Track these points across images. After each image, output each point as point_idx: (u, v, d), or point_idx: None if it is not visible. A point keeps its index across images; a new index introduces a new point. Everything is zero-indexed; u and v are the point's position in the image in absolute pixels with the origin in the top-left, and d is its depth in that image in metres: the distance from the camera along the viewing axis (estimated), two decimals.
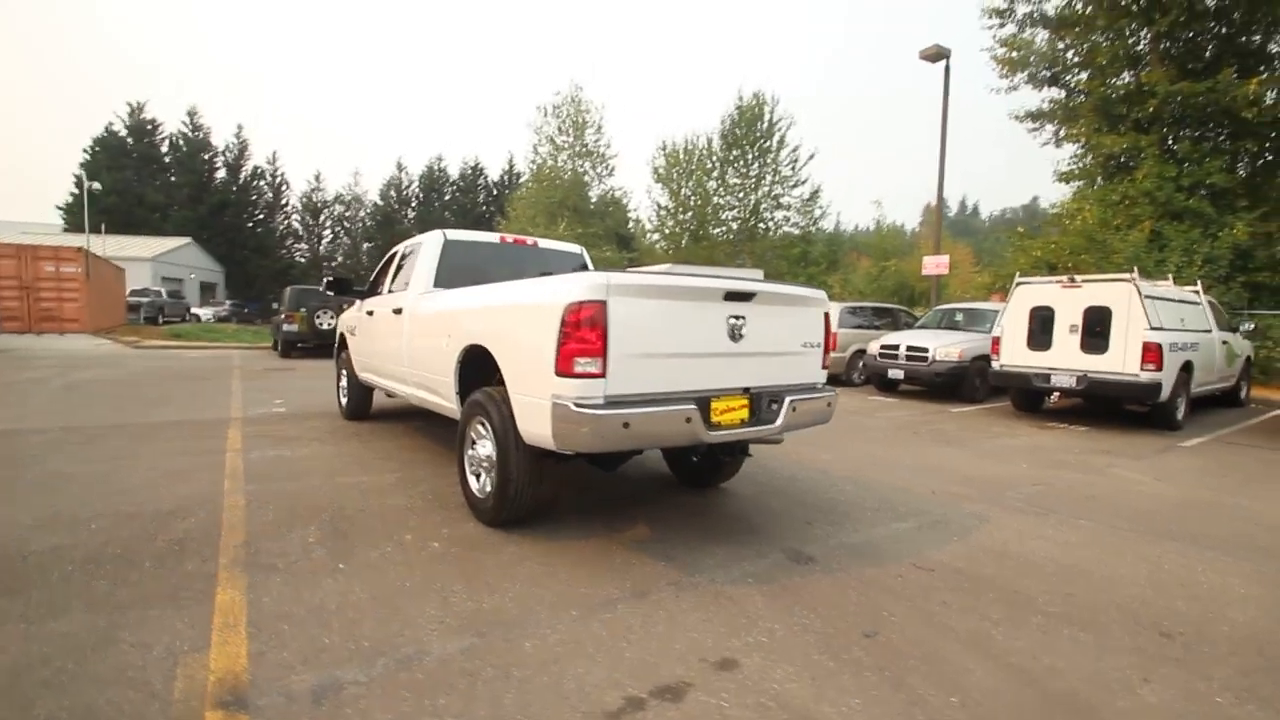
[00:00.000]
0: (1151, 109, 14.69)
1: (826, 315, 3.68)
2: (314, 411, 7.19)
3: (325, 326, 14.34)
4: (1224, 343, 8.88)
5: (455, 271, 4.81)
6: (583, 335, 2.70)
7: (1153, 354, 7.04)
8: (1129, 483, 5.06)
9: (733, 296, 3.13)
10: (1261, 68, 14.28)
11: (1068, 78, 16.95)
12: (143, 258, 37.57)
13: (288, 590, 2.62)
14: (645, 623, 2.44)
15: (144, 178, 44.80)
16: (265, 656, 2.11)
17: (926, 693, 2.04)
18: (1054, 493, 4.65)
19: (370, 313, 5.68)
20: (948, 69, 15.24)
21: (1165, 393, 7.17)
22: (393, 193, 51.86)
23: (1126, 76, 15.86)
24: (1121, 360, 7.25)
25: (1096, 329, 7.46)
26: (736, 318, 3.15)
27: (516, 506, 3.29)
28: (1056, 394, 8.11)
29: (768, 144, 34.45)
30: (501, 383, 3.44)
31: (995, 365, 8.43)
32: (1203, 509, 4.37)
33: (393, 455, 5.11)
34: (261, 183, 49.21)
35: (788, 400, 3.32)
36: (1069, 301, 7.73)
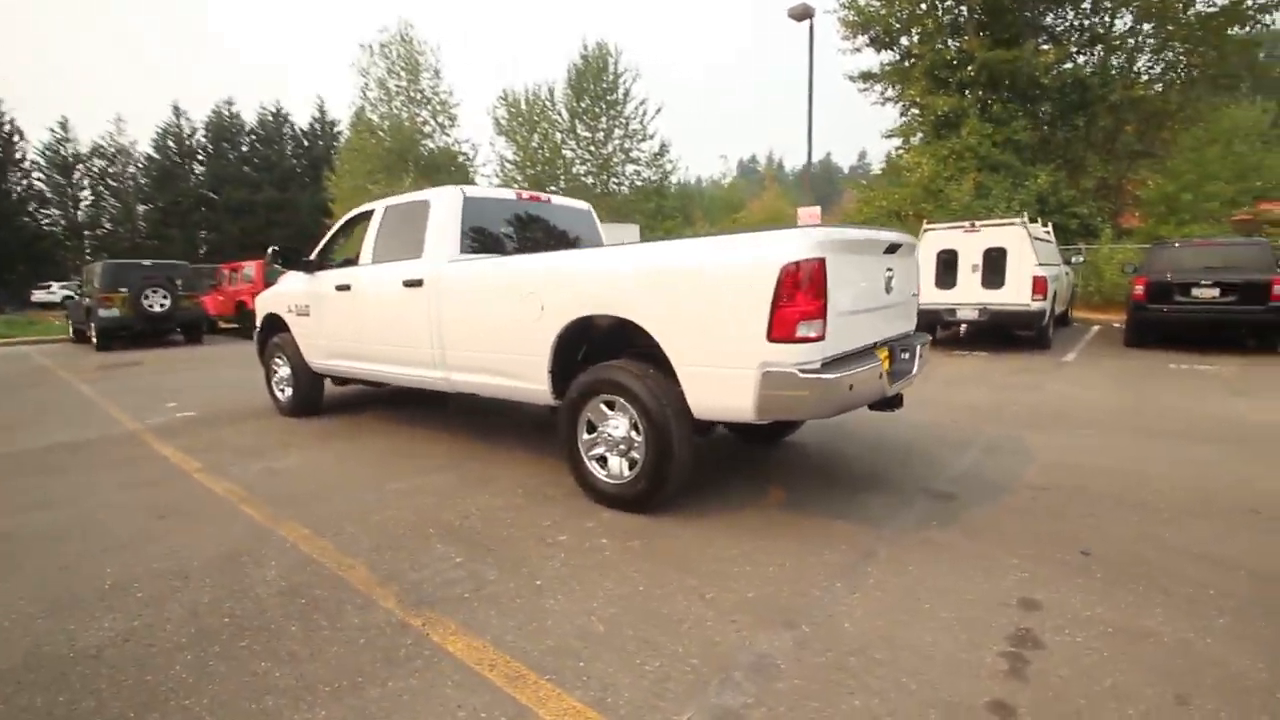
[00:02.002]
0: (972, 73, 16.92)
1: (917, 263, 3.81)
2: (232, 412, 5.95)
3: (157, 309, 11.79)
4: (1066, 274, 10.78)
5: (476, 234, 4.20)
6: (804, 296, 2.51)
7: (1041, 286, 8.33)
8: (1068, 396, 6.01)
9: (889, 249, 3.11)
10: (1046, 40, 17.05)
11: (903, 40, 18.81)
12: None
13: (513, 620, 2.19)
14: (913, 582, 2.43)
15: None
16: (619, 702, 1.76)
17: (1193, 592, 2.29)
18: (1030, 411, 5.37)
19: (344, 287, 4.75)
20: (811, 27, 16.13)
21: (1046, 318, 8.56)
22: (171, 143, 43.08)
23: (950, 44, 18.01)
24: (1016, 292, 8.48)
25: (995, 267, 8.62)
26: (889, 270, 3.14)
27: (675, 484, 3.05)
28: (964, 325, 9.29)
29: (613, 97, 34.12)
30: (636, 355, 3.12)
31: None
32: (1143, 409, 5.34)
33: (412, 451, 4.42)
34: None
35: (917, 347, 3.42)
36: (970, 244, 8.82)
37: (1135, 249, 14.36)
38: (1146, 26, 17.77)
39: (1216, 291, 8.02)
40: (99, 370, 9.31)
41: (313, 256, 5.21)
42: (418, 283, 4.09)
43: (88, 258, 35.72)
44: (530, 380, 3.54)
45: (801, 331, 2.53)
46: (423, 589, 2.44)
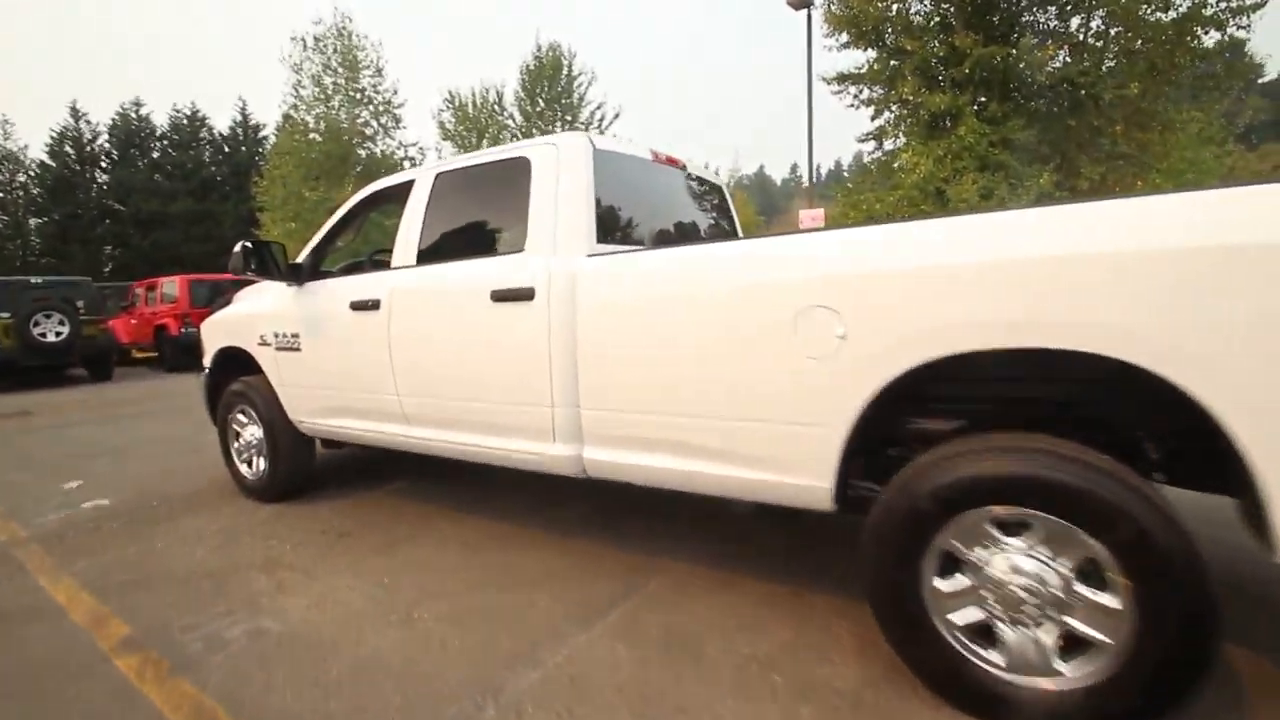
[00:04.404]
0: (967, 70, 16.34)
1: None
2: (169, 493, 3.99)
3: (52, 338, 9.29)
4: None
5: (606, 214, 2.56)
6: None
7: None
8: None
9: None
10: (1050, 38, 16.72)
11: (890, 38, 18.14)
12: None
13: None
14: None
15: None
16: None
17: None
18: None
19: (365, 305, 2.95)
20: (809, 17, 15.12)
21: None
22: (69, 149, 38.38)
23: (940, 41, 17.45)
24: None
25: None
26: None
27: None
28: None
29: (568, 100, 32.53)
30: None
31: None
32: None
33: (523, 574, 2.68)
34: None
35: None
36: None
37: None
38: (1114, 30, 17.83)
39: None
40: None
41: (302, 258, 3.37)
42: (522, 295, 2.38)
43: None
44: (785, 467, 1.91)
45: None
46: None
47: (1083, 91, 16.46)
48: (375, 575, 2.70)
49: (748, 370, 1.93)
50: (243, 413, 3.79)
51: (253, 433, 3.77)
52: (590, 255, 2.32)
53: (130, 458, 5.07)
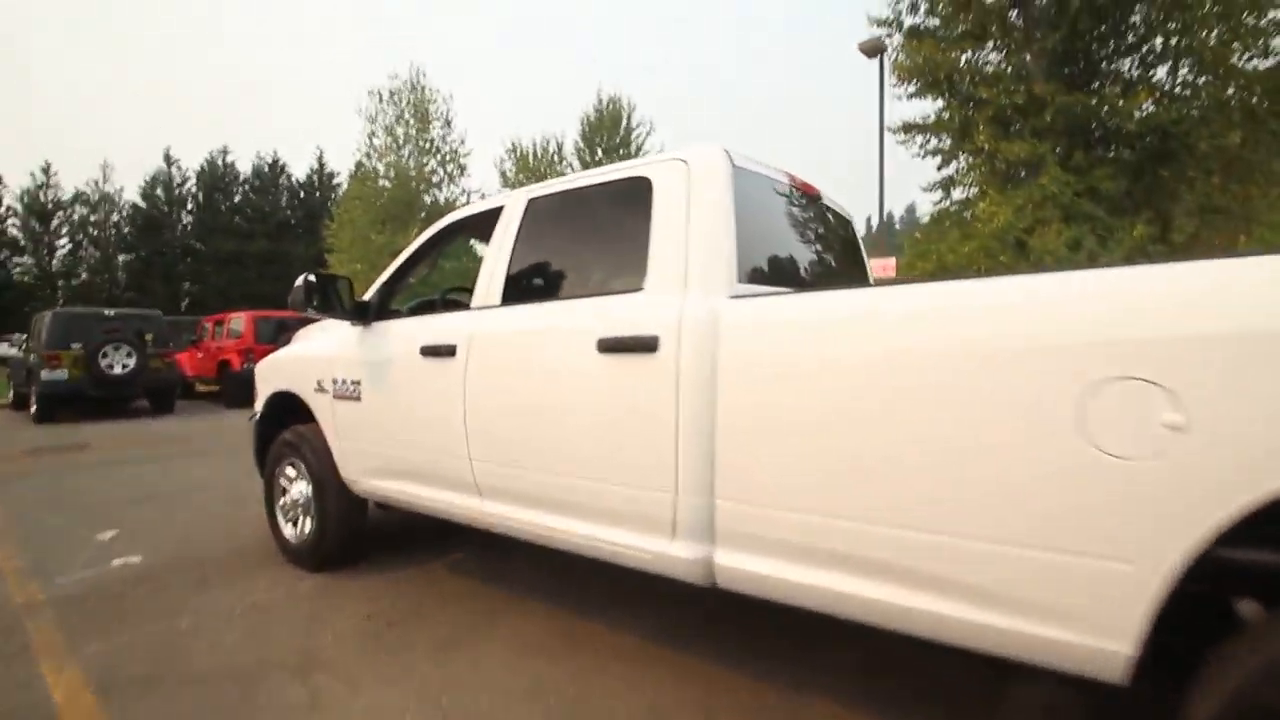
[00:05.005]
0: (1048, 118, 15.62)
1: None
2: (205, 556, 3.56)
3: (119, 370, 9.36)
4: None
5: (745, 245, 2.02)
6: None
7: None
8: None
9: None
10: (1135, 86, 15.93)
11: (963, 86, 17.64)
12: None
13: None
14: None
15: None
16: None
17: None
18: None
19: (438, 350, 2.48)
20: (882, 63, 14.82)
21: None
22: (159, 192, 41.21)
23: (1012, 90, 16.84)
24: None
25: None
26: None
27: None
28: None
29: (626, 151, 33.11)
30: None
31: None
32: None
33: (603, 709, 2.07)
34: None
35: None
36: None
37: None
38: (1202, 79, 16.86)
39: None
40: (23, 457, 6.82)
41: (370, 295, 2.97)
42: (642, 345, 1.85)
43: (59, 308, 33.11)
44: (1050, 616, 1.28)
45: None
46: None
47: (1175, 142, 15.48)
48: (430, 692, 2.14)
49: (992, 467, 1.33)
50: (292, 465, 3.36)
51: (301, 489, 3.32)
52: (736, 296, 1.79)
53: (173, 504, 4.73)
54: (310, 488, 3.23)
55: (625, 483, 1.92)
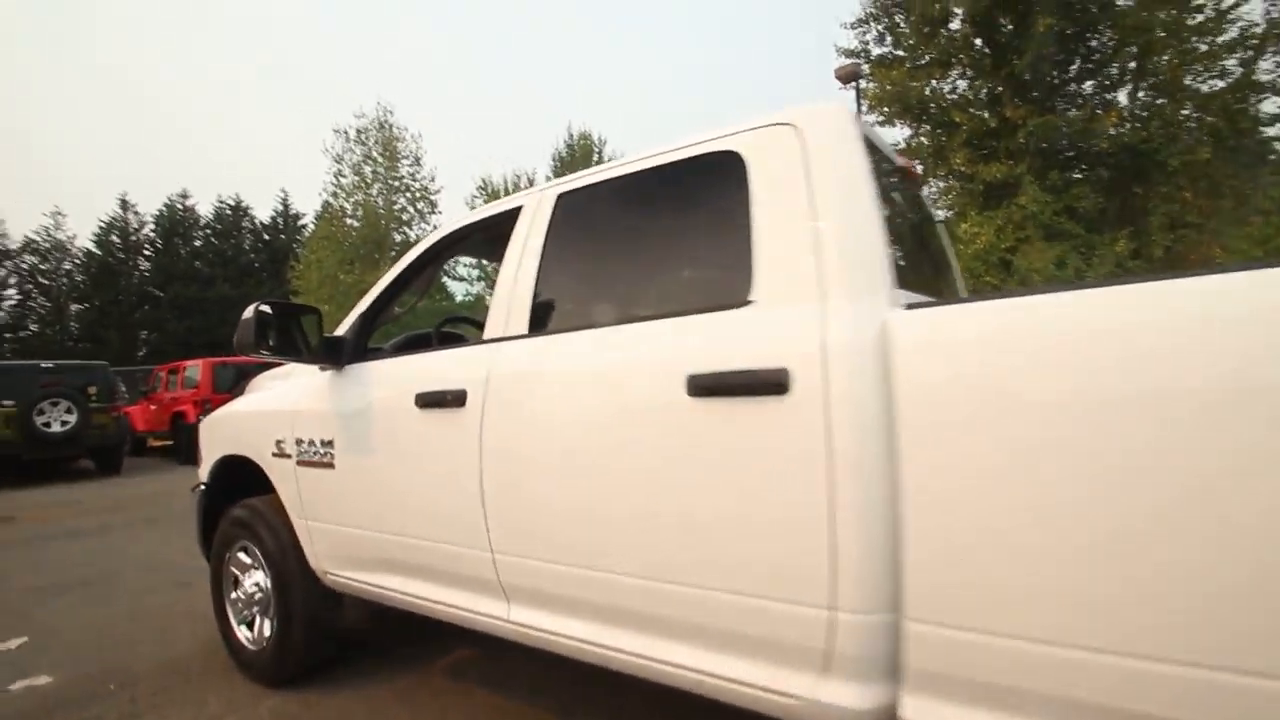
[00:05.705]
0: (1022, 140, 15.79)
1: None
2: (133, 669, 2.79)
3: (57, 429, 8.38)
4: None
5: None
6: None
7: None
8: None
9: None
10: (1098, 109, 16.22)
11: (934, 112, 17.83)
12: None
13: None
14: None
15: None
16: None
17: None
18: None
19: (445, 399, 1.84)
20: (859, 91, 14.81)
21: None
22: (115, 238, 39.70)
23: (985, 114, 17.07)
24: None
25: None
26: None
27: None
28: None
29: None
30: None
31: None
32: None
33: None
34: None
35: None
36: None
37: None
38: (1159, 100, 17.31)
39: None
40: None
41: (344, 330, 2.31)
42: (761, 382, 1.25)
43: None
44: None
45: None
46: None
47: (1146, 159, 15.76)
48: None
49: None
50: (244, 551, 2.64)
51: (257, 581, 2.60)
52: (907, 306, 1.20)
53: (105, 593, 3.91)
54: (269, 579, 2.52)
55: (735, 590, 1.30)
